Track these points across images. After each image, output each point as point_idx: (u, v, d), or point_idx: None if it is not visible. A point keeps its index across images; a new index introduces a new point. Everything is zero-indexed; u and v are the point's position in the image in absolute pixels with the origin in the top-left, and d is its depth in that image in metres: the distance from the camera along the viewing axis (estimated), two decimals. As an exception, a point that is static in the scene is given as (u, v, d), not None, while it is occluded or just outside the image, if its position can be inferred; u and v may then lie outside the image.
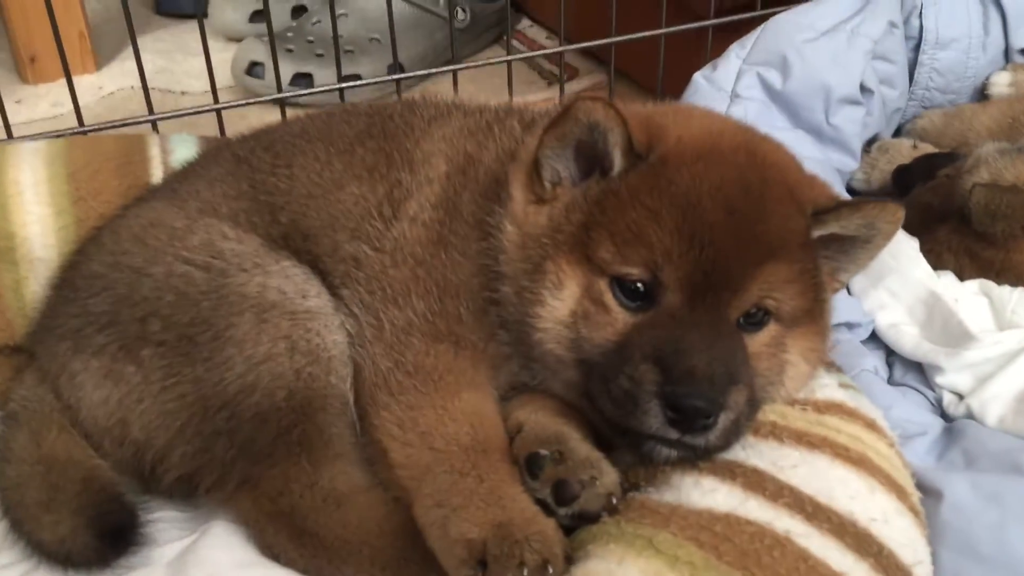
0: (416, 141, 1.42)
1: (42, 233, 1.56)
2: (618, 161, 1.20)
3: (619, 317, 1.17)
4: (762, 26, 2.02)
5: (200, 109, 1.95)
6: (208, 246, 1.34)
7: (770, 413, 1.21)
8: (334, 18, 2.07)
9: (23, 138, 1.77)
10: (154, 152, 1.67)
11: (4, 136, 1.90)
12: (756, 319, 1.20)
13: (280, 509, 1.28)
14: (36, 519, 1.28)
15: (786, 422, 1.19)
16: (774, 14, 2.05)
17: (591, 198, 1.21)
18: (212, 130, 2.07)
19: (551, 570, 1.05)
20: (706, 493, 1.10)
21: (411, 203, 1.36)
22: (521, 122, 1.43)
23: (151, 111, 1.89)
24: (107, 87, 3.05)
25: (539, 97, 2.80)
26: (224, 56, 3.20)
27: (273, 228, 1.40)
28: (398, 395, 1.25)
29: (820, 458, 1.14)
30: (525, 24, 3.40)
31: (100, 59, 3.19)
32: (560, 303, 1.20)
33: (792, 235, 1.19)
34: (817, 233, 1.23)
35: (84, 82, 3.08)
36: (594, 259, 1.18)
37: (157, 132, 1.85)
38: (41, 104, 2.96)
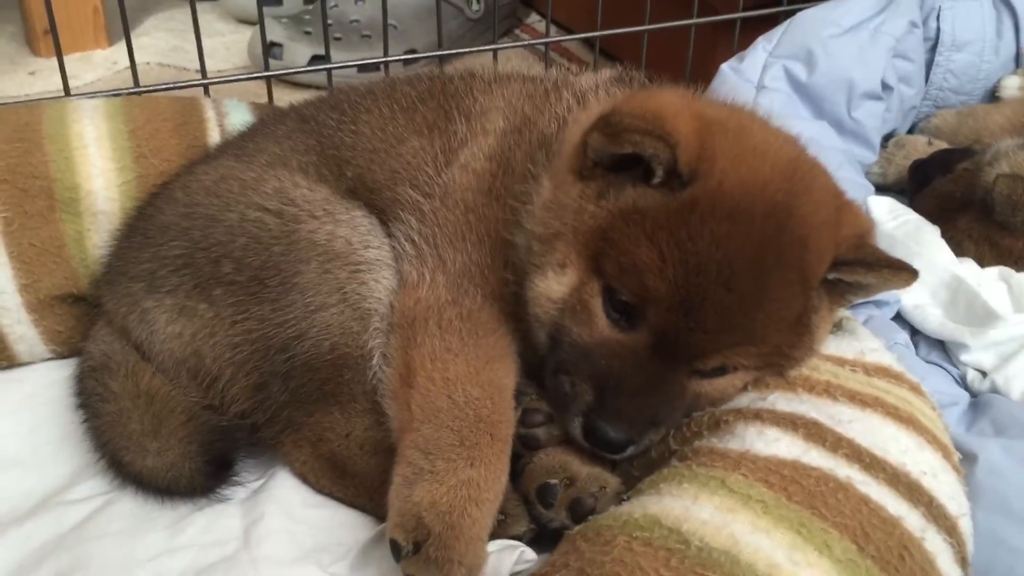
0: (475, 98, 1.48)
1: (105, 187, 1.59)
2: (658, 175, 1.18)
3: (600, 325, 1.21)
4: (788, 21, 2.10)
5: (251, 76, 2.00)
6: (280, 193, 1.39)
7: (823, 373, 1.27)
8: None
9: (79, 95, 1.79)
10: (209, 115, 1.70)
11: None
12: (718, 371, 1.23)
13: (320, 453, 1.34)
14: (140, 447, 1.33)
15: (839, 381, 1.25)
16: (799, 10, 2.13)
17: (620, 204, 1.20)
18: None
19: None
20: (770, 442, 1.16)
21: (464, 151, 1.41)
22: (573, 94, 1.46)
23: (204, 76, 1.93)
24: (121, 62, 3.05)
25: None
26: (236, 38, 3.25)
27: (340, 182, 1.46)
28: (445, 331, 1.28)
29: (873, 416, 1.20)
30: (534, 19, 3.47)
31: (112, 35, 3.19)
32: (558, 285, 1.23)
33: (783, 319, 1.19)
34: (832, 276, 1.25)
35: (97, 57, 3.10)
36: (598, 262, 1.20)
37: (209, 96, 1.89)
38: (55, 77, 2.88)
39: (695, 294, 1.14)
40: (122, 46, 3.18)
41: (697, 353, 1.19)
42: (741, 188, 1.17)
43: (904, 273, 1.27)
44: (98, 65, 3.05)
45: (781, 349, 1.23)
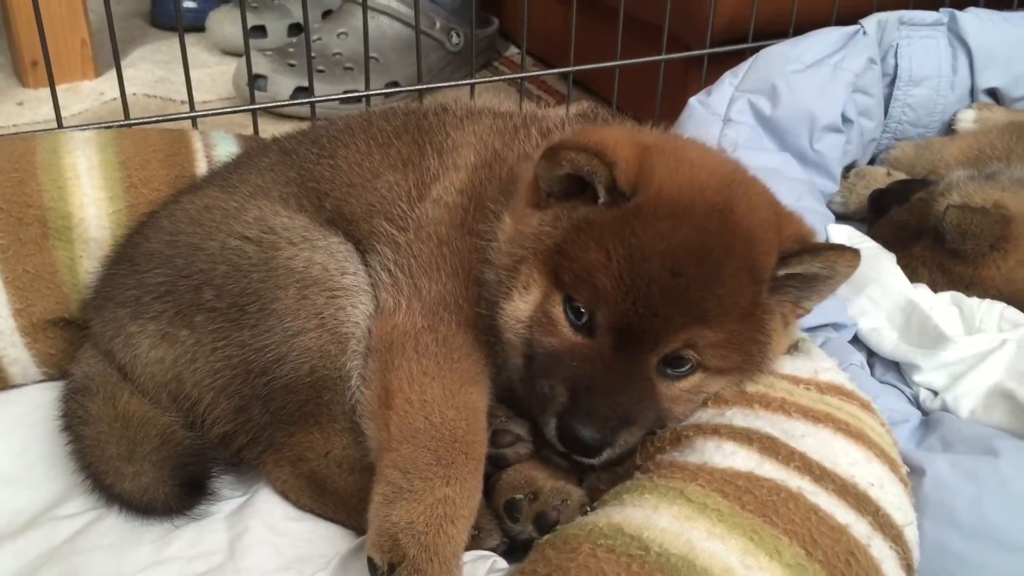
0: (448, 133, 1.55)
1: (97, 215, 1.65)
2: (602, 195, 1.27)
3: (565, 332, 1.27)
4: (754, 56, 2.19)
5: (238, 109, 2.08)
6: (260, 221, 1.45)
7: (779, 390, 1.34)
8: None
9: (72, 127, 1.86)
10: (197, 146, 1.77)
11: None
12: (681, 368, 1.29)
13: (301, 472, 1.40)
14: (118, 471, 1.38)
15: (793, 398, 1.32)
16: (763, 47, 2.23)
17: (573, 220, 1.28)
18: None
19: None
20: (727, 455, 1.23)
21: (436, 185, 1.48)
22: (539, 130, 1.55)
23: (192, 108, 2.00)
24: (108, 93, 3.13)
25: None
26: (221, 69, 3.33)
27: (320, 213, 1.52)
28: (422, 355, 1.34)
29: (824, 431, 1.27)
30: (513, 51, 3.56)
31: (99, 66, 3.25)
32: (524, 304, 1.30)
33: (734, 305, 1.25)
34: (781, 272, 1.30)
35: (85, 88, 3.17)
36: (557, 275, 1.27)
37: (197, 128, 1.96)
38: (43, 108, 3.03)
39: (641, 281, 1.21)
40: (108, 77, 3.28)
41: (655, 337, 1.24)
42: (680, 192, 1.25)
43: (848, 254, 1.32)
44: (86, 96, 3.12)
45: (738, 342, 1.28)
